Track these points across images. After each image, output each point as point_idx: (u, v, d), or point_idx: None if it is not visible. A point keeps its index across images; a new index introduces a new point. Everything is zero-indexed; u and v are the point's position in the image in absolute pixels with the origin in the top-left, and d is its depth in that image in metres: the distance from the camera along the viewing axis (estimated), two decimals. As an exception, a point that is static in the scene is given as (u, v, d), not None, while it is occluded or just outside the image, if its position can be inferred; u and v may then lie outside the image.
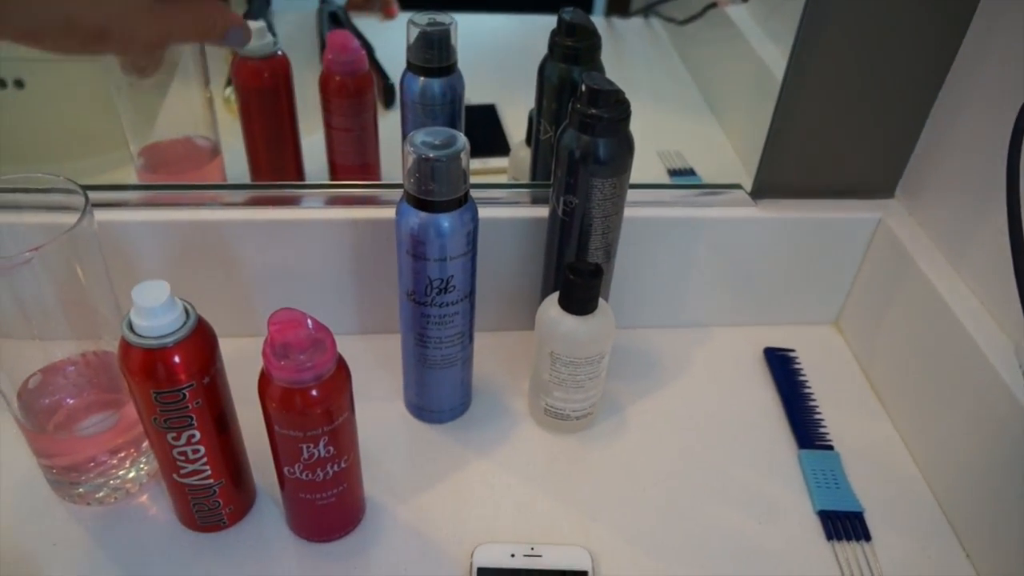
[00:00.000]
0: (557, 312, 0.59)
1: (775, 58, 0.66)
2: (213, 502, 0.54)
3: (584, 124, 0.55)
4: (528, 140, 0.73)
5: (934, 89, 0.65)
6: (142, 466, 0.58)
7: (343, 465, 0.51)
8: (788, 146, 0.67)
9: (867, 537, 0.58)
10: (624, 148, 0.57)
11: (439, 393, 0.64)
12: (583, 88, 0.55)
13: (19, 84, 0.79)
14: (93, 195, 0.51)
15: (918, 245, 0.67)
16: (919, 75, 0.64)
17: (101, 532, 0.56)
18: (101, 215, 0.61)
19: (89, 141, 0.78)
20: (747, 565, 0.57)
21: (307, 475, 0.50)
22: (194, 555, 0.55)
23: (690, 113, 0.84)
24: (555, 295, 0.60)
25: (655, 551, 0.57)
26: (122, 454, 0.57)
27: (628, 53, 0.91)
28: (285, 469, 0.51)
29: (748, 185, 0.70)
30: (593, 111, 0.55)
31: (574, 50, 0.61)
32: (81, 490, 0.56)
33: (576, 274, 0.57)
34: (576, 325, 0.58)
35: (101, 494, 0.57)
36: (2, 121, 0.81)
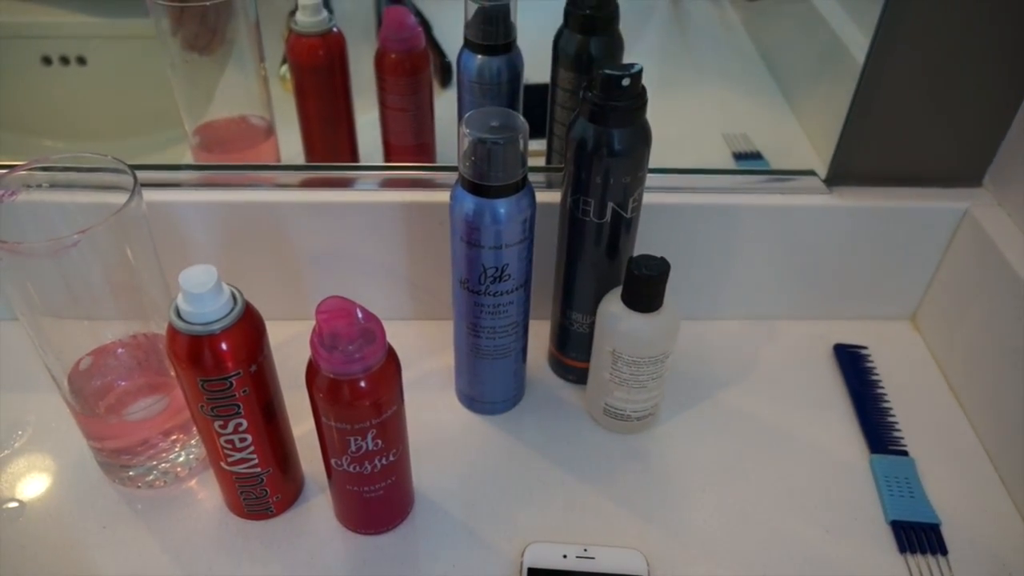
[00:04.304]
0: (620, 309, 0.56)
1: (854, 36, 0.62)
2: (261, 490, 0.53)
3: (594, 113, 0.51)
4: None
5: (1031, 70, 0.60)
6: (192, 451, 0.58)
7: (391, 458, 0.50)
8: (867, 131, 0.63)
9: (944, 551, 0.55)
10: (639, 139, 0.53)
11: (492, 384, 0.62)
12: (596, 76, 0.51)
13: (81, 61, 0.80)
14: (145, 175, 0.51)
15: (1007, 237, 0.62)
16: (1013, 54, 0.59)
17: (150, 516, 0.55)
18: (153, 195, 0.61)
19: (149, 119, 0.78)
20: (813, 576, 0.54)
21: (354, 468, 0.49)
22: (241, 542, 0.54)
23: (758, 94, 0.80)
24: (618, 290, 0.57)
25: (713, 557, 0.54)
26: (172, 438, 0.56)
27: (694, 30, 0.87)
28: (332, 461, 0.49)
29: (822, 171, 0.66)
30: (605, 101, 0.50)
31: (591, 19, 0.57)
32: (131, 473, 0.56)
33: (641, 270, 0.54)
34: (640, 323, 0.55)
35: (151, 477, 0.56)
36: (65, 98, 0.81)
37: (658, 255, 0.54)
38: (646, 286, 0.54)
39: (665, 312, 0.56)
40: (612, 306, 0.56)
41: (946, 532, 0.56)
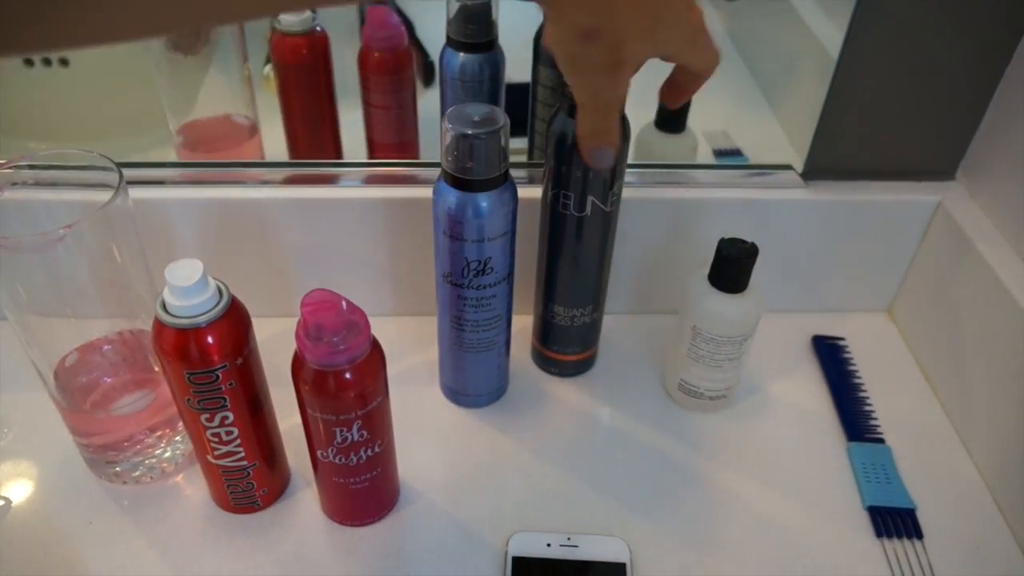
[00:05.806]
0: (705, 287, 0.59)
1: (829, 33, 0.63)
2: (247, 484, 0.54)
3: (574, 108, 0.52)
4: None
5: (1001, 64, 0.62)
6: (178, 446, 0.58)
7: (377, 450, 0.50)
8: (842, 125, 0.64)
9: (919, 535, 0.56)
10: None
11: (476, 377, 0.62)
12: None
13: (64, 62, 0.79)
14: (130, 172, 0.51)
15: (979, 230, 0.64)
16: (985, 50, 0.61)
17: (136, 511, 0.56)
18: (138, 192, 0.61)
19: (132, 119, 0.78)
20: (791, 561, 0.55)
21: (340, 459, 0.49)
22: (228, 537, 0.55)
23: (737, 91, 0.81)
24: (705, 270, 0.60)
25: (695, 544, 0.55)
26: (158, 433, 0.57)
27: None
28: (318, 453, 0.50)
29: (799, 166, 0.67)
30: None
31: None
32: (117, 469, 0.56)
33: (730, 251, 0.56)
34: (726, 303, 0.58)
35: (137, 473, 0.57)
36: (47, 99, 0.81)
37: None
38: (733, 267, 0.56)
39: (750, 295, 0.58)
40: (698, 284, 0.59)
41: (921, 517, 0.57)
